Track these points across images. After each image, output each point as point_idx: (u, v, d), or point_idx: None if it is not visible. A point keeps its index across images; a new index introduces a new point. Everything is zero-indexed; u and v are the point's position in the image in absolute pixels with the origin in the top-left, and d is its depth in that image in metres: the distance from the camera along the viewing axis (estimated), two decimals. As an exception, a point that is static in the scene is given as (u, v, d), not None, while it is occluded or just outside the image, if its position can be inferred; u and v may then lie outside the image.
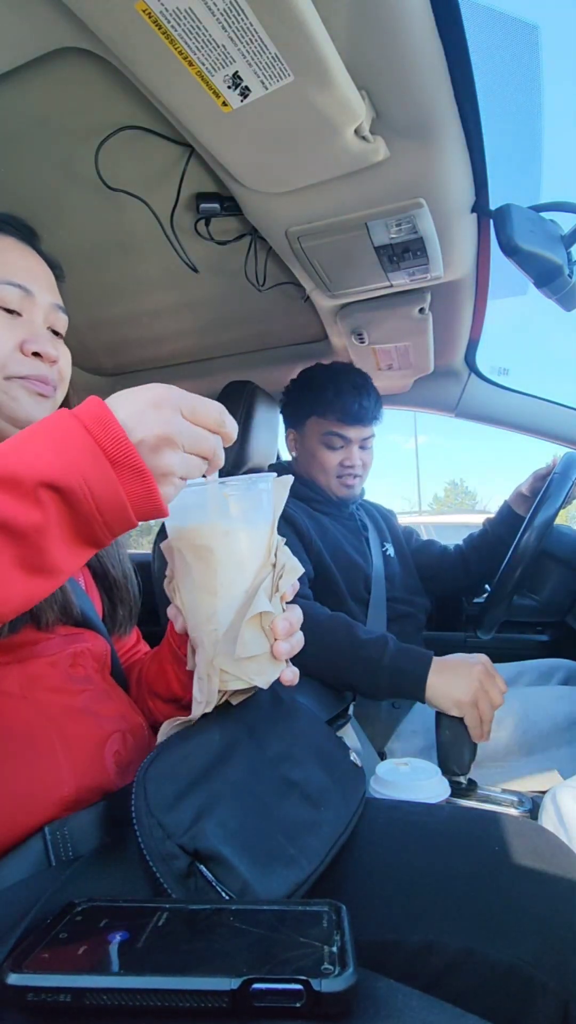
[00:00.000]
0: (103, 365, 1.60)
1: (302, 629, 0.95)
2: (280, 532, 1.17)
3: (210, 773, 0.47)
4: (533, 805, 0.91)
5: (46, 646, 0.57)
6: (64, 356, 0.65)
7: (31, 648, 0.55)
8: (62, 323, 0.65)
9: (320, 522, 1.28)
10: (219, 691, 0.49)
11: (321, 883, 0.47)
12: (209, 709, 0.50)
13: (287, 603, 0.51)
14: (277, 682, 0.52)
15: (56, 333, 0.65)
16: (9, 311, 0.59)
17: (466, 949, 0.44)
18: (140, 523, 0.42)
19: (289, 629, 0.50)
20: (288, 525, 1.18)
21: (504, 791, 0.96)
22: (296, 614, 0.52)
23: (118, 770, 0.54)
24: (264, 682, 0.49)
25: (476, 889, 0.48)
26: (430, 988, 0.41)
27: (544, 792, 0.80)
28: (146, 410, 0.40)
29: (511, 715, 1.08)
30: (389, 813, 0.60)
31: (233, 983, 0.30)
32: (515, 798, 0.93)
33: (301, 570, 0.52)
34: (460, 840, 0.54)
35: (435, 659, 0.95)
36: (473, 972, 0.43)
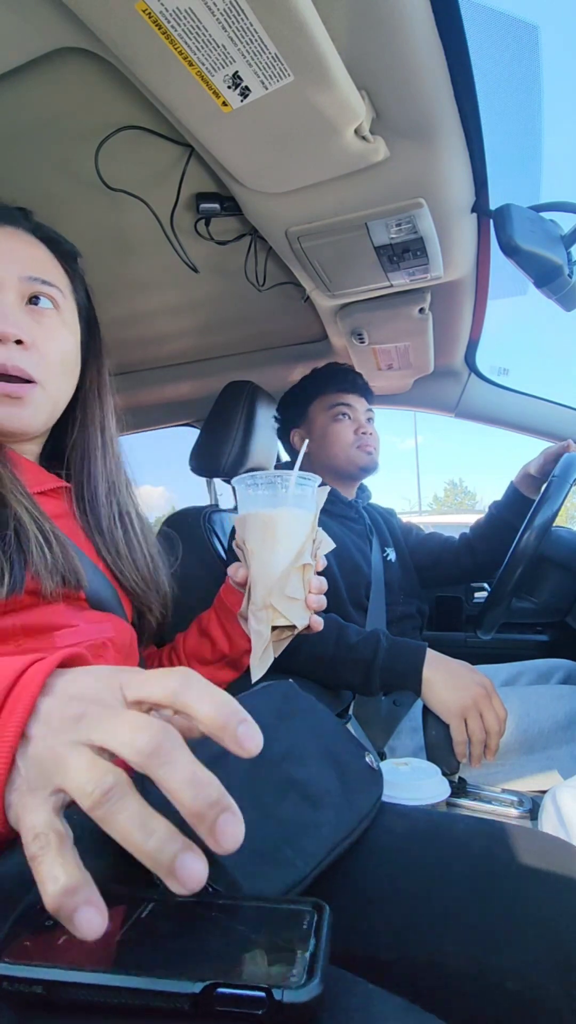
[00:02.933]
0: (103, 365, 1.60)
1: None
2: None
3: (209, 770, 0.47)
4: (533, 805, 0.91)
5: (66, 636, 0.56)
6: (47, 334, 0.59)
7: (50, 638, 0.55)
8: (46, 293, 0.60)
9: (328, 526, 1.27)
10: (271, 627, 0.62)
11: (323, 889, 0.47)
12: (264, 647, 0.62)
13: (316, 573, 0.65)
14: (293, 680, 0.61)
15: (37, 301, 0.59)
16: None
17: (471, 968, 0.42)
18: None
19: (320, 587, 0.64)
20: None
21: (504, 791, 0.96)
22: (322, 580, 0.65)
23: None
24: (301, 623, 0.62)
25: (484, 904, 0.46)
26: (432, 1008, 0.39)
27: (544, 792, 0.80)
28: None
29: (511, 714, 1.08)
30: (398, 820, 0.58)
31: (196, 987, 0.30)
32: (515, 798, 0.93)
33: (332, 545, 0.66)
34: (470, 851, 0.52)
35: (436, 655, 0.94)
36: (479, 994, 0.42)
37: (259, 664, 0.62)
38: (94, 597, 0.61)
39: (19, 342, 0.56)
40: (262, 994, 0.29)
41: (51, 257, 0.64)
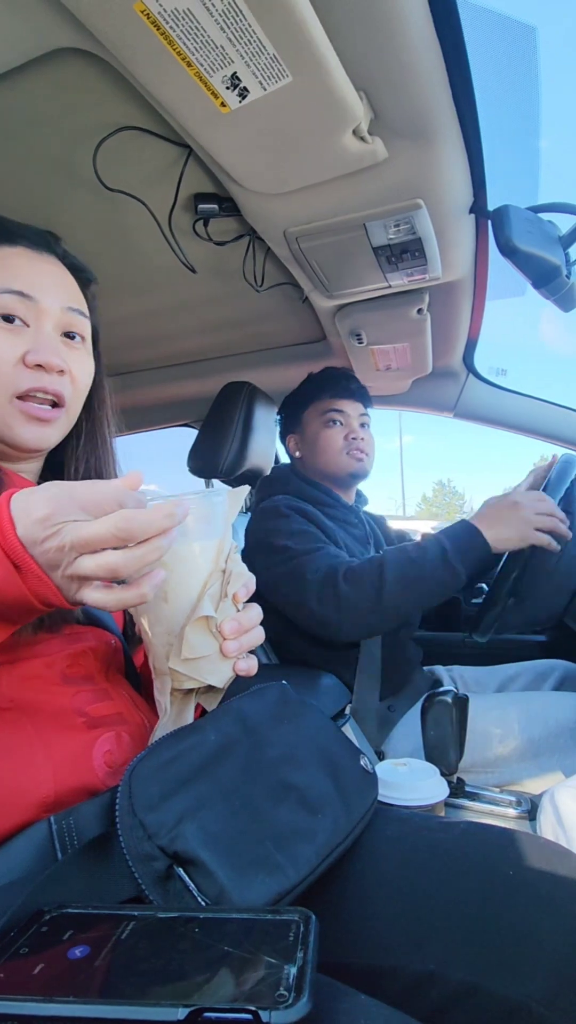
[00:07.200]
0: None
1: (384, 584, 0.99)
2: (306, 525, 1.18)
3: (200, 774, 0.46)
4: (531, 805, 0.91)
5: (45, 647, 0.56)
6: (79, 365, 0.64)
7: (29, 649, 0.55)
8: (80, 325, 0.64)
9: (331, 530, 1.29)
10: (179, 690, 0.52)
11: (317, 897, 0.46)
12: (169, 718, 0.52)
13: (244, 604, 0.54)
14: (289, 682, 0.54)
15: (73, 337, 0.64)
16: (10, 320, 0.59)
17: (471, 983, 0.41)
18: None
19: (238, 628, 0.51)
20: (313, 525, 1.23)
21: (503, 791, 0.96)
22: (250, 614, 0.54)
23: (109, 771, 0.53)
24: (218, 680, 0.51)
25: (486, 917, 0.45)
26: (425, 1020, 0.39)
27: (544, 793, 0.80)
28: (37, 524, 0.40)
29: (516, 721, 1.08)
30: (399, 826, 0.57)
31: (180, 1013, 0.29)
32: (513, 798, 0.93)
33: (248, 575, 0.55)
34: (473, 860, 0.51)
35: (480, 519, 1.04)
36: (477, 1008, 0.41)
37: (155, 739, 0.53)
38: (81, 615, 0.62)
39: (60, 371, 0.61)
40: (248, 1016, 0.29)
41: (77, 285, 0.66)
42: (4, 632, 0.45)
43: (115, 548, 0.40)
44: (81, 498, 0.40)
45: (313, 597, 1.07)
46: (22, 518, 0.40)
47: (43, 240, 0.65)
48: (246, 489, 0.55)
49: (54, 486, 0.41)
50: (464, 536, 1.03)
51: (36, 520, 0.39)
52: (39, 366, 0.59)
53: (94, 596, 0.41)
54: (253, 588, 0.54)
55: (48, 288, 0.61)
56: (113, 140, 0.79)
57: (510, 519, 1.01)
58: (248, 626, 0.53)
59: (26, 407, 0.59)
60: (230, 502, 0.53)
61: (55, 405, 0.62)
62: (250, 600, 0.55)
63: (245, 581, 0.53)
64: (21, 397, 0.59)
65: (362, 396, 1.41)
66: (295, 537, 1.17)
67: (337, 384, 1.38)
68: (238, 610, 0.53)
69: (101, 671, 0.61)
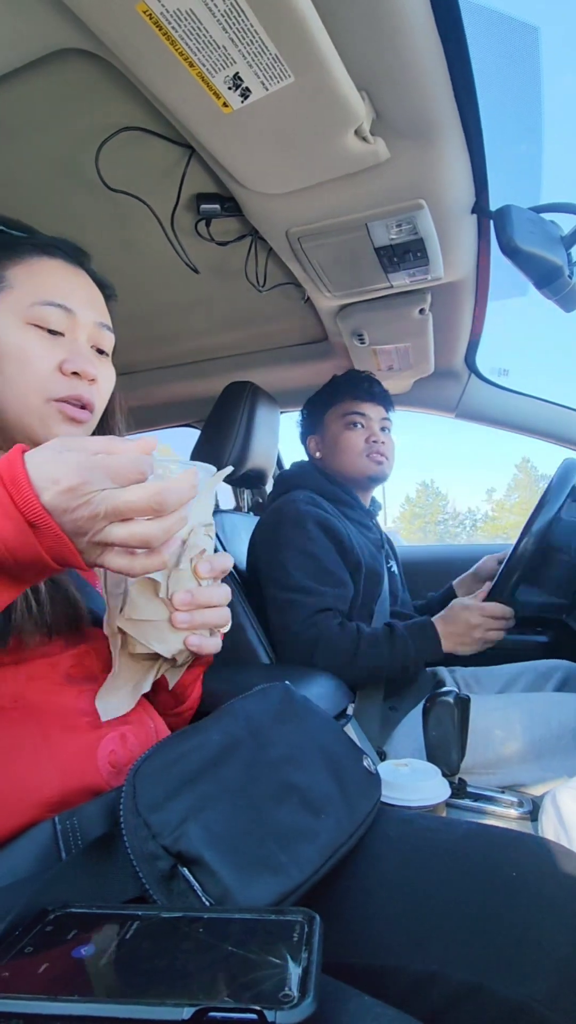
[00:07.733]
0: (103, 366, 1.60)
1: (354, 665, 1.04)
2: (320, 545, 1.20)
3: (203, 774, 0.46)
4: (533, 806, 0.91)
5: (49, 647, 0.57)
6: (104, 376, 0.66)
7: (33, 649, 0.55)
8: (107, 341, 0.67)
9: (348, 530, 1.30)
10: (137, 656, 0.51)
11: (320, 897, 0.46)
12: (119, 680, 0.52)
13: (212, 582, 0.53)
14: (291, 682, 0.54)
15: (101, 352, 0.67)
16: (51, 332, 0.61)
17: (473, 983, 0.41)
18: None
19: (191, 602, 0.50)
20: (330, 538, 1.23)
21: (504, 791, 0.96)
22: (212, 592, 0.52)
23: (114, 771, 0.53)
24: (165, 650, 0.50)
25: (489, 917, 0.45)
26: (428, 1021, 0.39)
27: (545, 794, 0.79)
28: (67, 494, 0.40)
29: (518, 722, 1.08)
30: (401, 827, 0.57)
31: (185, 1012, 0.29)
32: (515, 799, 0.93)
33: (220, 555, 0.53)
34: (476, 861, 0.51)
35: (444, 632, 1.14)
36: (479, 1008, 0.41)
37: (105, 700, 0.52)
38: (88, 614, 0.62)
39: (91, 380, 0.64)
40: (254, 1016, 0.29)
41: (103, 300, 0.69)
42: (9, 593, 0.44)
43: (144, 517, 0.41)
44: (106, 466, 0.41)
45: (289, 647, 1.15)
46: (48, 486, 0.39)
47: (76, 255, 0.67)
48: (228, 470, 0.55)
49: (71, 451, 0.41)
50: (428, 645, 1.15)
51: (65, 489, 0.39)
52: (75, 374, 0.62)
53: (119, 562, 0.42)
54: (222, 568, 0.53)
55: (84, 302, 0.64)
56: (115, 141, 0.79)
57: (466, 638, 1.14)
58: (204, 602, 0.51)
59: (63, 407, 0.62)
60: (210, 481, 0.52)
61: (83, 409, 0.64)
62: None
63: (210, 559, 0.52)
64: (55, 401, 0.62)
65: (385, 400, 1.41)
66: (301, 562, 1.18)
67: (360, 387, 1.39)
68: (199, 584, 0.51)
69: (104, 671, 0.61)
